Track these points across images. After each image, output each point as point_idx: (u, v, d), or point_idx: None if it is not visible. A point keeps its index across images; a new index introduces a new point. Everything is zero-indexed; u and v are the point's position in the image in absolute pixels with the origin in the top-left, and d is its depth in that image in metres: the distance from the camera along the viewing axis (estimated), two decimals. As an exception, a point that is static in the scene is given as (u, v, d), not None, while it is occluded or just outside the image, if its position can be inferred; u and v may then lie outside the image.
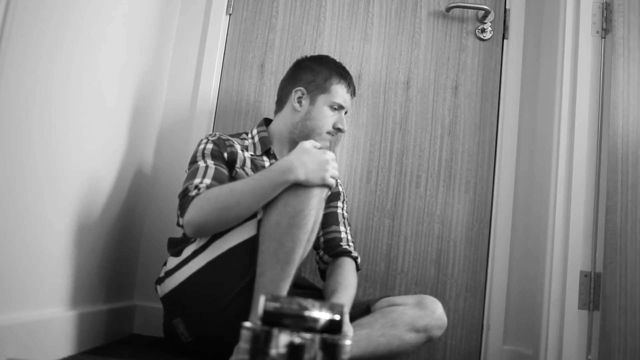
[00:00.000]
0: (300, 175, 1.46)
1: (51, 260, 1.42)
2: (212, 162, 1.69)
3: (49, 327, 1.40)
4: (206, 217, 1.52)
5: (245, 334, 0.91)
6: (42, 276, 1.38)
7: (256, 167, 1.80)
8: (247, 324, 0.92)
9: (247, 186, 1.50)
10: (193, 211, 1.53)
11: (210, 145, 1.74)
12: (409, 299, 1.69)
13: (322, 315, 0.92)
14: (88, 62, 1.48)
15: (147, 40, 1.94)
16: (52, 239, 1.41)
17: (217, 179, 1.64)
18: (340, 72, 1.90)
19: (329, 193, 1.77)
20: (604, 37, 2.05)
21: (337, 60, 1.96)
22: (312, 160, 1.48)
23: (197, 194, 1.55)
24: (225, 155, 1.75)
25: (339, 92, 1.88)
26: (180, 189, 1.67)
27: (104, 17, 1.55)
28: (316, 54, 2.26)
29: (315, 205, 1.49)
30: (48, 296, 1.42)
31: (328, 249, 1.85)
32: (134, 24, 1.80)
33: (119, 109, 1.76)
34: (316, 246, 1.88)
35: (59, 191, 1.42)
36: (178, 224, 1.59)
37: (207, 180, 1.62)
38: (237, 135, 1.90)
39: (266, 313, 0.92)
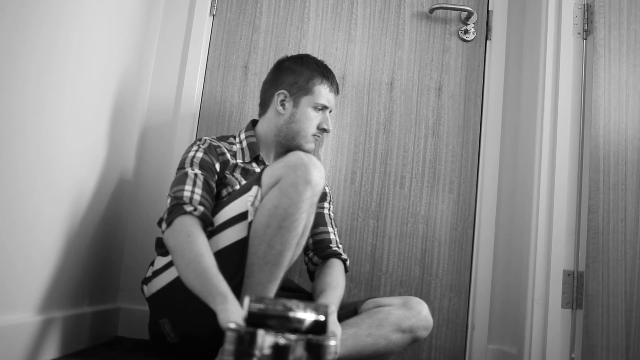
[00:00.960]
0: (221, 317, 1.34)
1: (34, 263, 1.41)
2: (201, 172, 1.68)
3: (31, 330, 1.39)
4: (173, 248, 1.51)
5: (230, 335, 0.91)
6: (24, 280, 1.37)
7: (246, 173, 1.79)
8: (232, 325, 0.92)
9: (203, 270, 1.43)
10: (172, 233, 1.52)
11: (200, 154, 1.73)
12: (395, 300, 1.70)
13: (307, 316, 0.93)
14: (77, 64, 1.48)
15: (130, 41, 1.93)
16: (34, 242, 1.40)
17: (206, 190, 1.63)
18: (322, 72, 1.90)
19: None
20: (586, 39, 2.07)
21: (319, 59, 1.95)
22: (230, 316, 1.34)
23: (191, 213, 1.53)
24: (218, 166, 1.75)
25: (322, 92, 1.88)
26: (166, 190, 1.66)
27: (89, 18, 1.54)
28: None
29: (306, 209, 1.49)
30: (30, 299, 1.41)
31: (317, 251, 1.85)
32: (117, 25, 1.79)
33: (102, 110, 1.75)
34: (305, 248, 1.87)
35: (43, 195, 1.41)
36: (159, 224, 1.59)
37: (198, 191, 1.61)
38: (225, 139, 1.89)
39: (250, 314, 0.92)
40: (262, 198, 1.52)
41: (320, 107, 1.88)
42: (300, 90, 1.86)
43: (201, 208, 1.56)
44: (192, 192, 1.60)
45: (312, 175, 1.47)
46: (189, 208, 1.54)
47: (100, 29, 1.65)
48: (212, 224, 1.57)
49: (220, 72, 2.28)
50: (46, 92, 1.36)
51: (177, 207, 1.55)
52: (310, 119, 1.87)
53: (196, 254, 1.45)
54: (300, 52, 2.27)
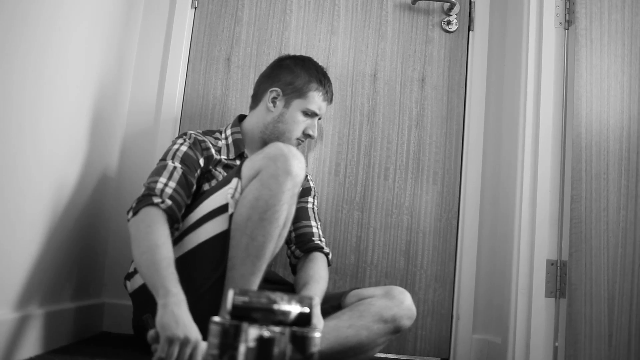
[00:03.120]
0: (159, 313, 1.34)
1: (14, 259, 1.39)
2: (181, 166, 1.66)
3: (14, 327, 1.38)
4: (132, 237, 1.51)
5: (214, 329, 0.91)
6: (3, 275, 1.36)
7: (230, 169, 1.79)
8: (216, 318, 0.92)
9: (154, 261, 1.42)
10: (135, 222, 1.52)
11: (184, 148, 1.72)
12: (378, 290, 1.70)
13: (291, 308, 0.92)
14: (55, 62, 1.46)
15: (111, 34, 1.92)
16: (15, 237, 1.38)
17: (181, 185, 1.62)
18: (320, 79, 1.87)
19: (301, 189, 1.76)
20: (567, 29, 2.08)
21: (319, 65, 1.93)
22: (173, 325, 1.32)
23: (158, 205, 1.53)
24: (202, 161, 1.73)
25: (315, 99, 1.85)
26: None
27: (68, 16, 1.52)
28: (283, 47, 2.27)
29: (287, 200, 1.49)
30: (10, 295, 1.40)
31: (300, 244, 1.85)
32: (97, 21, 1.77)
33: (84, 101, 1.74)
34: (288, 241, 1.87)
35: (24, 190, 1.39)
36: (127, 212, 1.58)
37: (172, 184, 1.60)
38: (211, 134, 1.87)
39: (235, 307, 0.92)
40: (242, 190, 1.52)
41: (309, 113, 1.85)
42: (294, 92, 1.84)
43: (169, 202, 1.55)
44: (166, 184, 1.59)
45: (292, 166, 1.47)
46: (156, 200, 1.54)
47: (80, 22, 1.63)
48: (178, 220, 1.57)
49: (202, 65, 2.27)
50: (25, 89, 1.35)
51: (146, 198, 1.55)
52: (298, 123, 1.85)
53: (152, 244, 1.45)
54: (283, 44, 2.27)
